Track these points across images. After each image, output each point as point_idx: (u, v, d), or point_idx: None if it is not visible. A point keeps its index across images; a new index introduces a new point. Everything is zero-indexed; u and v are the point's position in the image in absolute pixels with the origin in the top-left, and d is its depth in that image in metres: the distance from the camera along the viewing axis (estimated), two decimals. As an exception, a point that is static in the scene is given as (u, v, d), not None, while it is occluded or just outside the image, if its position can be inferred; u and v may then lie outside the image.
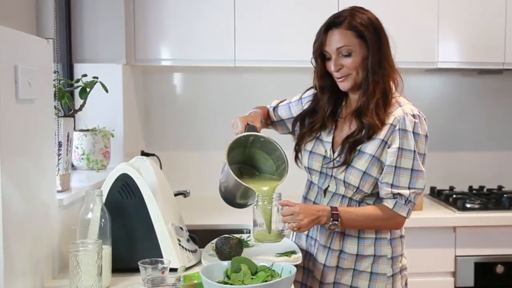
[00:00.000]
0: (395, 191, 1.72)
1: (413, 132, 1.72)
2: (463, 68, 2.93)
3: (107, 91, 2.15)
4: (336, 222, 1.71)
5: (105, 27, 2.60)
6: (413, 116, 1.73)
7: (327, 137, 1.85)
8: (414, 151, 1.72)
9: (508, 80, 3.18)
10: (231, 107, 3.11)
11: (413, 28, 2.78)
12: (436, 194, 3.03)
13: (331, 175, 1.81)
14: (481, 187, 3.10)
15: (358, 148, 1.75)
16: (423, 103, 3.12)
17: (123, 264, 1.67)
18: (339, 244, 1.80)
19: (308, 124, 1.89)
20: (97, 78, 2.14)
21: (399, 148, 1.71)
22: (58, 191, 1.79)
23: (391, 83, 1.78)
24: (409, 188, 1.72)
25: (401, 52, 2.71)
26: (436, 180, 3.12)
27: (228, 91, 3.12)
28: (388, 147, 1.73)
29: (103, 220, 1.58)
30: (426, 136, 1.76)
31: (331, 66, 1.76)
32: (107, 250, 1.58)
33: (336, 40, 1.73)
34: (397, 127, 1.72)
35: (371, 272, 1.79)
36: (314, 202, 1.87)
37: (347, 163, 1.76)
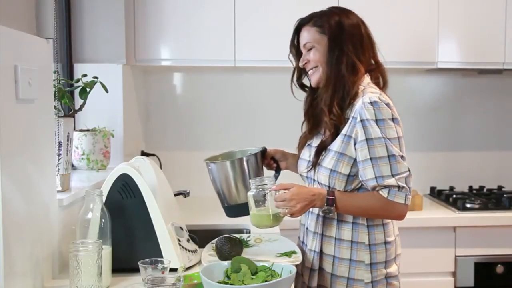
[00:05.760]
0: (382, 183, 1.65)
1: (376, 120, 1.66)
2: (463, 68, 2.93)
3: (107, 91, 2.15)
4: (332, 208, 1.69)
5: (105, 27, 2.60)
6: (371, 103, 1.66)
7: (316, 142, 1.84)
8: (383, 137, 1.65)
9: (508, 80, 3.18)
10: (231, 107, 3.11)
11: (413, 28, 2.78)
12: (436, 194, 3.02)
13: (313, 178, 1.82)
14: (481, 187, 3.10)
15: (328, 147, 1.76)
16: (423, 103, 3.17)
17: (123, 264, 1.67)
18: (319, 245, 1.78)
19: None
20: (97, 78, 2.14)
21: (366, 139, 1.65)
22: (58, 191, 1.79)
23: (362, 78, 1.75)
24: (393, 175, 1.65)
25: (402, 52, 2.77)
26: (436, 180, 3.12)
27: (228, 91, 3.12)
28: (355, 143, 1.69)
29: (103, 220, 1.58)
30: (393, 119, 1.68)
31: (299, 61, 1.84)
32: (107, 250, 1.58)
33: (303, 36, 1.83)
34: (358, 119, 1.68)
35: (348, 278, 1.75)
36: None
37: (315, 165, 1.77)
